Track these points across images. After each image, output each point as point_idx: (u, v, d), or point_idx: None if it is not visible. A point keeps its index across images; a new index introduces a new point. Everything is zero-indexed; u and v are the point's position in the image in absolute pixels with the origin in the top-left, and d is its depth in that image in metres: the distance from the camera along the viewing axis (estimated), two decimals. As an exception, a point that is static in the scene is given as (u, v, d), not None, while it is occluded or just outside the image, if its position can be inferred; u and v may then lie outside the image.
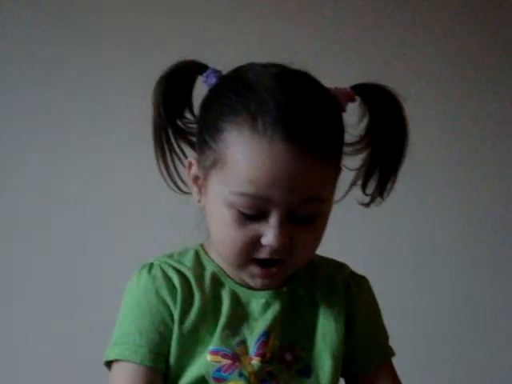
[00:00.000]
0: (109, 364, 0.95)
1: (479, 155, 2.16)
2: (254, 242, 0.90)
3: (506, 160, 2.17)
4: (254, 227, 0.89)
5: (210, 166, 0.91)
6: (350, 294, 1.00)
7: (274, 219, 0.88)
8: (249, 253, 0.90)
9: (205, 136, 0.92)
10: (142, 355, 0.92)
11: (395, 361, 1.02)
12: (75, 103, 2.01)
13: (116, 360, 0.94)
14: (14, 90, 2.02)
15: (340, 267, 1.03)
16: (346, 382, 1.02)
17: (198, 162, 0.95)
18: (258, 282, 0.94)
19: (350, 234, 1.94)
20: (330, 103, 0.91)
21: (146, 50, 2.01)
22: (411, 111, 0.97)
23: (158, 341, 0.93)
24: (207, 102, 0.95)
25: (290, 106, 0.86)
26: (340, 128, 0.92)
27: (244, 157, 0.86)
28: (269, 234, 0.88)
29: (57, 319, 1.97)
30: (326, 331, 0.97)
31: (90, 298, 1.97)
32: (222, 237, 0.92)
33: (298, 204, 0.88)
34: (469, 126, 2.15)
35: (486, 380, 2.10)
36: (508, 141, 2.17)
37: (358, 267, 1.04)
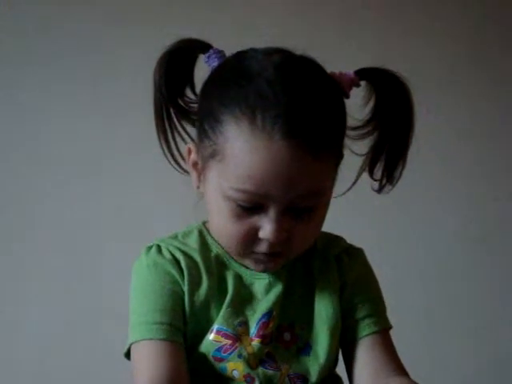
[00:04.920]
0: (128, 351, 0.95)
1: (488, 145, 2.16)
2: (252, 236, 0.90)
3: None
4: (252, 220, 0.89)
5: (208, 156, 0.90)
6: (342, 265, 1.00)
7: (271, 213, 0.87)
8: (247, 246, 0.91)
9: (204, 125, 0.90)
10: (165, 332, 0.91)
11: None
12: (75, 86, 2.00)
13: (136, 341, 0.92)
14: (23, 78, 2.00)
15: (335, 241, 1.03)
16: (341, 350, 1.01)
17: (198, 148, 0.93)
18: (260, 267, 0.94)
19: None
20: (332, 93, 0.90)
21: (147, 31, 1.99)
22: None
23: (176, 316, 0.93)
24: (207, 88, 0.93)
25: (291, 102, 0.84)
26: (342, 119, 0.91)
27: (243, 153, 0.85)
28: (266, 228, 0.88)
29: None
30: (322, 307, 0.97)
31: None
32: (220, 228, 0.93)
33: (297, 198, 0.87)
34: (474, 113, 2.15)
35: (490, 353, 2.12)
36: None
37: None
